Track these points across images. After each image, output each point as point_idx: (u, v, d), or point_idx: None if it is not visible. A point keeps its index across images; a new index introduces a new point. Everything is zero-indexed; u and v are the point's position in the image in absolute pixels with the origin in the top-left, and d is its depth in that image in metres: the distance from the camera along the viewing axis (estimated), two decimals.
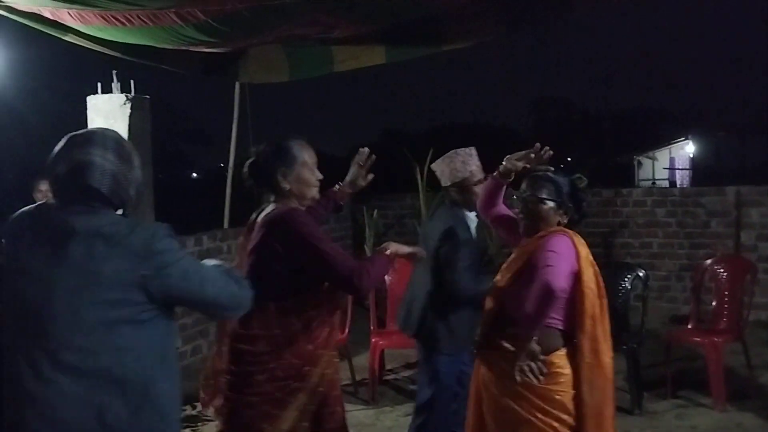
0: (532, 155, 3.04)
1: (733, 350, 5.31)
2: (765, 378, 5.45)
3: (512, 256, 3.01)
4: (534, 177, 2.95)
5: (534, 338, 2.66)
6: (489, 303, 3.00)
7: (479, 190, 3.48)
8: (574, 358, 2.79)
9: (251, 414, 2.72)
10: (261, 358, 2.72)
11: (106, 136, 2.16)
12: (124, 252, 2.00)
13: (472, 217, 3.72)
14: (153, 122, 5.38)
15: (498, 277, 3.01)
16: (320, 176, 2.87)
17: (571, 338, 2.81)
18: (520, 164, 3.04)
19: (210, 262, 2.31)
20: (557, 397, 2.76)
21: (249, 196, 7.26)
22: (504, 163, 3.08)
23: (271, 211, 2.78)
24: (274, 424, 2.72)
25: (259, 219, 2.83)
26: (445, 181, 3.76)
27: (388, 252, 2.81)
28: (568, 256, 2.75)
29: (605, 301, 2.85)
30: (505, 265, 3.01)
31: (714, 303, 5.44)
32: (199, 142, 47.63)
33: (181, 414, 2.26)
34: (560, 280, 2.65)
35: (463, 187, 3.67)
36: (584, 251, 2.82)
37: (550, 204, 2.88)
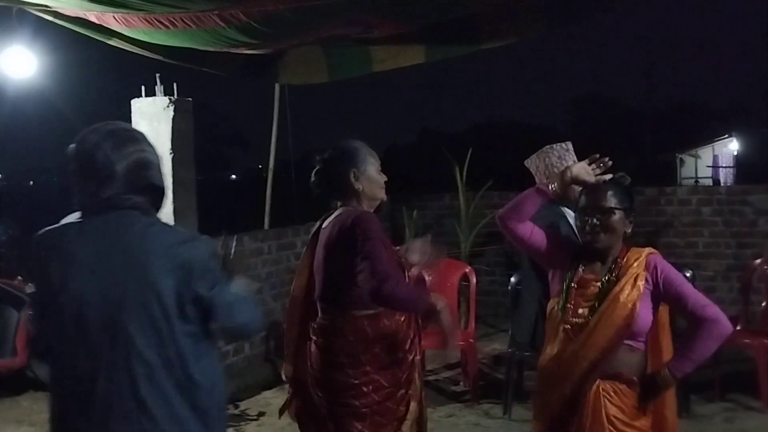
0: (593, 165, 2.74)
1: None
2: None
3: (581, 286, 2.65)
4: (599, 185, 2.69)
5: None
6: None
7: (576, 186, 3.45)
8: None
9: (362, 426, 2.70)
10: (363, 368, 2.71)
11: (139, 131, 2.15)
12: (178, 268, 1.98)
13: (571, 213, 3.61)
14: (198, 124, 5.45)
15: (572, 315, 2.63)
16: (385, 177, 2.89)
17: None
18: (590, 178, 2.70)
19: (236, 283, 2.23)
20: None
21: (289, 198, 7.30)
22: (569, 173, 2.73)
23: (341, 213, 2.79)
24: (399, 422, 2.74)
25: (326, 224, 2.85)
26: (540, 178, 3.68)
27: (438, 311, 2.62)
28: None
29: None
30: (575, 298, 2.64)
31: (764, 304, 5.30)
32: (237, 144, 48.25)
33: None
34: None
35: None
36: None
37: (619, 213, 2.61)
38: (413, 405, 2.79)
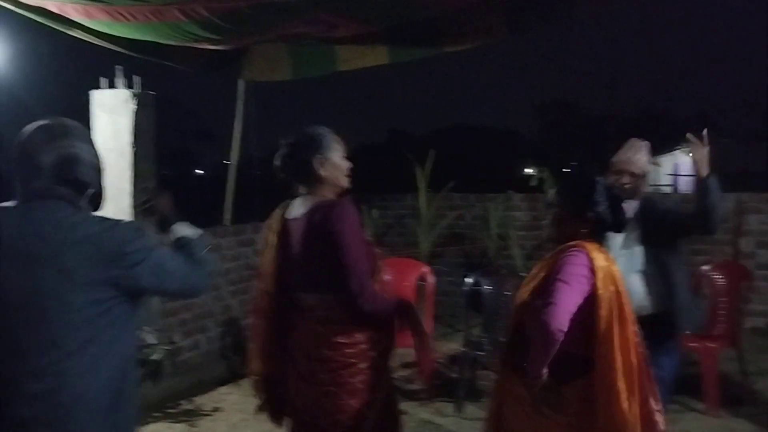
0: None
1: (728, 357, 5.33)
2: (759, 385, 5.47)
3: (534, 268, 2.81)
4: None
5: (544, 371, 2.52)
6: (511, 318, 2.85)
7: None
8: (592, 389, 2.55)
9: (356, 402, 2.77)
10: (359, 347, 2.77)
11: (79, 127, 2.22)
12: (98, 254, 2.06)
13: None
14: (158, 119, 5.42)
15: (521, 289, 2.78)
16: (350, 164, 2.89)
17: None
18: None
19: (184, 230, 2.39)
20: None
21: (251, 193, 7.28)
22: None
23: (317, 204, 2.78)
24: (375, 405, 2.80)
25: (295, 213, 2.84)
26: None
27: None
28: (579, 280, 2.54)
29: (630, 327, 2.56)
30: (528, 277, 2.80)
31: (709, 309, 5.46)
32: (203, 139, 47.79)
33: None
34: (560, 319, 2.45)
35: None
36: (601, 268, 2.57)
37: (565, 209, 2.73)
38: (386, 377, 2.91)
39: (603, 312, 2.53)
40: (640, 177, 3.62)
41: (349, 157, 2.91)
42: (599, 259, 2.59)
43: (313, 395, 2.82)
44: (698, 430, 4.71)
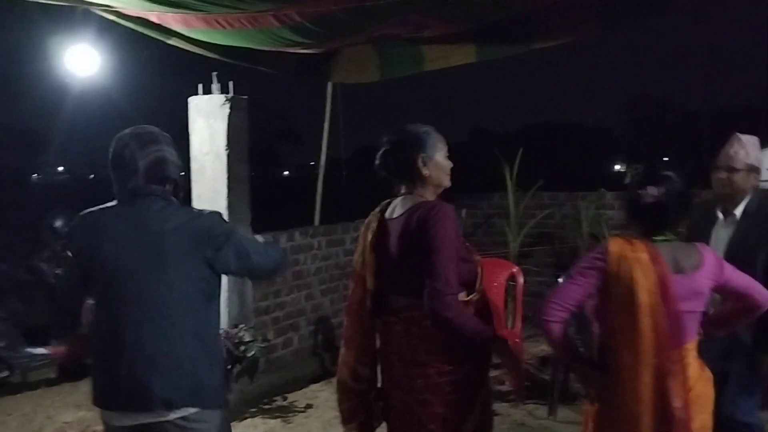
0: None
1: None
2: None
3: None
4: None
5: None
6: None
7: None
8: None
9: (448, 410, 2.70)
10: (455, 354, 2.70)
11: (163, 133, 2.61)
12: (189, 239, 2.48)
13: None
14: (253, 122, 5.57)
15: None
16: (451, 164, 2.84)
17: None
18: None
19: (259, 238, 2.89)
20: None
21: (338, 194, 7.37)
22: None
23: (419, 204, 2.73)
24: (469, 417, 2.73)
25: (394, 213, 2.80)
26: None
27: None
28: (582, 272, 2.60)
29: (635, 314, 2.50)
30: None
31: None
32: (290, 142, 48.79)
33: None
34: (546, 309, 2.60)
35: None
36: (616, 253, 2.55)
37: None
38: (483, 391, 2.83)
39: (612, 304, 2.54)
40: (741, 172, 3.44)
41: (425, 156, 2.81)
42: (617, 253, 2.55)
43: (407, 404, 2.75)
44: None
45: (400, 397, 2.78)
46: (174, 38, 4.88)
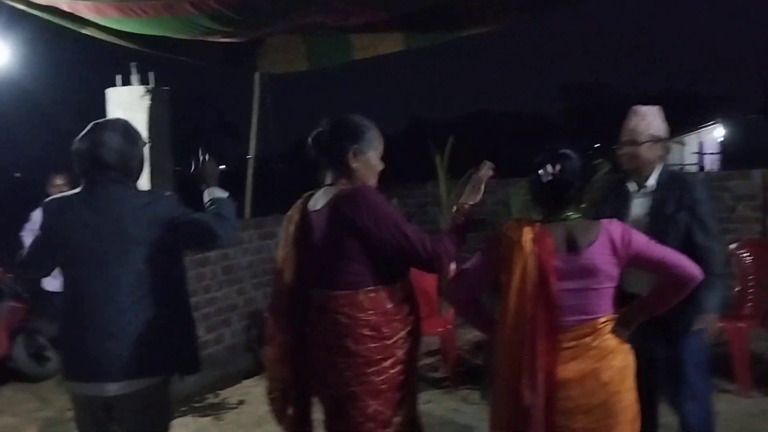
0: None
1: (759, 336, 5.23)
2: None
3: None
4: None
5: None
6: None
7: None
8: None
9: (377, 404, 2.65)
10: (384, 342, 2.65)
11: (116, 121, 2.89)
12: (150, 220, 2.69)
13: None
14: (180, 114, 5.43)
15: None
16: (382, 166, 2.79)
17: None
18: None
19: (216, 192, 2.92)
20: None
21: (271, 186, 7.28)
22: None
23: (338, 193, 2.65)
24: (399, 411, 2.70)
25: (318, 205, 2.73)
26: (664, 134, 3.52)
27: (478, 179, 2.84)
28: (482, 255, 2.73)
29: (508, 293, 2.57)
30: None
31: (738, 288, 5.36)
32: (229, 134, 48.03)
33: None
34: (452, 283, 2.84)
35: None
36: (507, 238, 2.60)
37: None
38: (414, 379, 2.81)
39: (501, 279, 2.63)
40: (645, 144, 3.39)
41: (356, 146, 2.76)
42: (508, 231, 2.61)
43: (336, 399, 2.70)
44: (729, 411, 4.61)
45: (328, 393, 2.73)
46: (88, 27, 4.70)
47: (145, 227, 2.68)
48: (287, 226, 2.84)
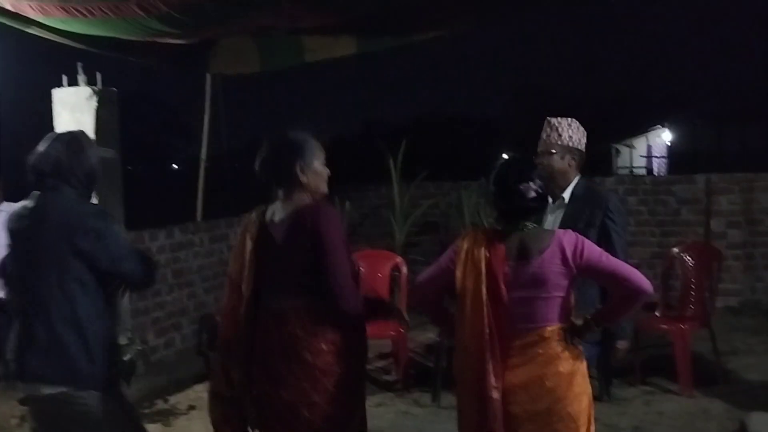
0: None
1: (701, 337, 5.38)
2: (732, 364, 5.53)
3: None
4: None
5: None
6: None
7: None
8: None
9: (333, 407, 2.73)
10: (338, 352, 2.73)
11: (67, 132, 2.91)
12: (65, 229, 2.68)
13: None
14: (131, 114, 5.34)
15: None
16: (329, 171, 2.89)
17: None
18: None
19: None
20: None
21: (223, 187, 7.22)
22: None
23: (300, 209, 2.75)
24: (354, 413, 2.81)
25: (274, 218, 2.80)
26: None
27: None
28: (442, 260, 2.76)
29: (464, 300, 2.63)
30: None
31: (681, 290, 5.50)
32: (181, 134, 47.40)
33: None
34: (416, 284, 2.91)
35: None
36: (466, 251, 2.64)
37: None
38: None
39: (457, 287, 2.67)
40: (556, 155, 3.46)
41: (324, 150, 2.89)
42: (463, 247, 2.66)
43: (292, 406, 2.73)
44: (673, 410, 4.75)
45: (282, 399, 2.74)
46: (33, 27, 4.59)
47: (58, 238, 2.68)
48: (243, 238, 2.88)
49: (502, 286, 2.55)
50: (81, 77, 5.03)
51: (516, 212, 2.64)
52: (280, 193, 2.83)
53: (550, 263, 2.57)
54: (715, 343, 5.30)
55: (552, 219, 3.47)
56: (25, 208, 2.81)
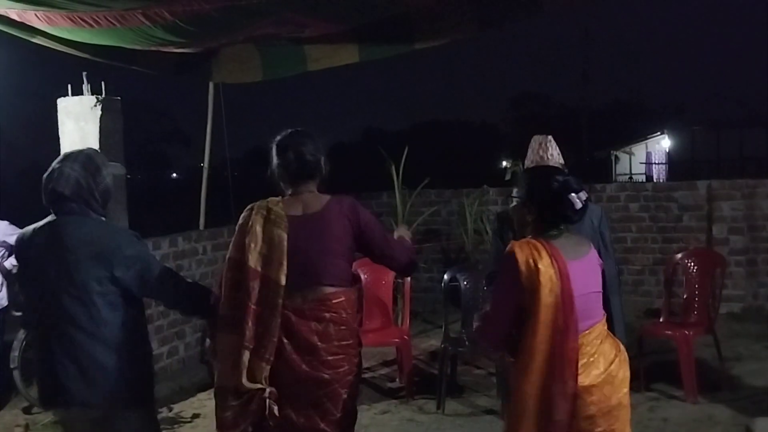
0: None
1: (705, 343, 5.38)
2: (736, 370, 5.53)
3: None
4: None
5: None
6: None
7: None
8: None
9: (350, 394, 2.83)
10: (352, 341, 2.85)
11: (80, 152, 2.84)
12: (98, 253, 2.65)
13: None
14: (132, 123, 5.36)
15: None
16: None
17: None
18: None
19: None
20: None
21: (225, 195, 7.24)
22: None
23: (332, 199, 2.86)
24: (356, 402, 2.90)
25: (304, 210, 2.83)
26: (527, 163, 3.79)
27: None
28: (508, 288, 2.65)
29: (538, 308, 2.59)
30: None
31: (685, 296, 5.51)
32: (180, 143, 47.45)
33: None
34: (490, 331, 2.76)
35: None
36: (524, 264, 2.60)
37: (521, 205, 2.79)
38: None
39: (524, 303, 2.61)
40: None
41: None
42: (523, 257, 2.61)
43: (315, 395, 2.78)
44: (677, 416, 4.75)
45: (310, 391, 2.78)
46: (39, 36, 4.61)
47: (90, 261, 2.65)
48: (270, 230, 2.82)
49: (572, 287, 2.59)
50: (85, 86, 5.04)
51: (564, 220, 2.70)
52: (292, 187, 2.87)
53: (595, 260, 2.73)
54: (719, 349, 5.31)
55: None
56: (39, 231, 2.75)
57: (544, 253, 2.61)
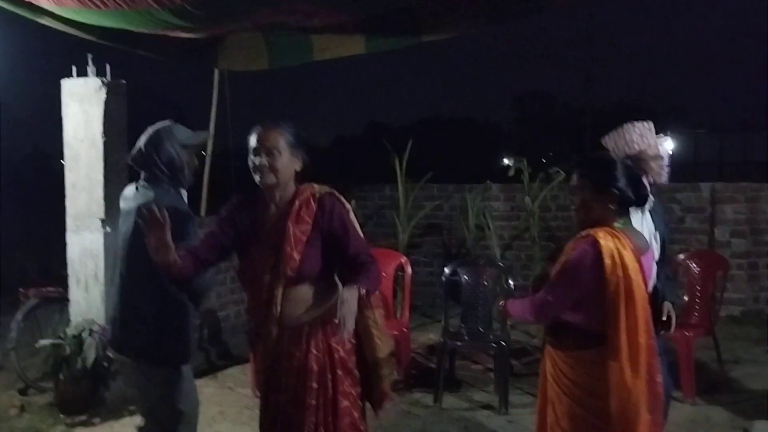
0: None
1: (705, 345, 5.37)
2: (735, 372, 5.52)
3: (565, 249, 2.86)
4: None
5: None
6: None
7: (655, 165, 3.51)
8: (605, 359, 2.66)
9: (351, 384, 2.82)
10: (351, 347, 2.84)
11: (155, 126, 3.12)
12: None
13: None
14: (133, 107, 5.32)
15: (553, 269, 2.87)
16: None
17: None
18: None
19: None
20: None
21: (227, 184, 7.24)
22: None
23: (327, 191, 2.83)
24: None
25: (303, 197, 2.79)
26: (618, 153, 3.59)
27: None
28: (578, 276, 2.67)
29: (638, 309, 2.65)
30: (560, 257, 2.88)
31: (686, 298, 5.49)
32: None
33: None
34: (549, 313, 2.75)
35: (639, 159, 3.52)
36: (610, 255, 2.63)
37: (589, 190, 2.75)
38: None
39: (609, 295, 2.63)
40: (654, 159, 3.58)
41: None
42: (608, 247, 2.64)
43: (311, 406, 2.73)
44: (674, 417, 4.72)
45: (300, 403, 2.74)
46: (45, 17, 4.58)
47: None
48: (268, 212, 2.83)
49: (645, 276, 2.69)
50: (90, 68, 5.01)
51: (641, 202, 2.77)
52: (285, 182, 2.81)
53: (653, 252, 2.89)
54: (718, 351, 5.30)
55: (638, 219, 3.43)
56: (133, 190, 3.12)
57: (627, 244, 2.66)
